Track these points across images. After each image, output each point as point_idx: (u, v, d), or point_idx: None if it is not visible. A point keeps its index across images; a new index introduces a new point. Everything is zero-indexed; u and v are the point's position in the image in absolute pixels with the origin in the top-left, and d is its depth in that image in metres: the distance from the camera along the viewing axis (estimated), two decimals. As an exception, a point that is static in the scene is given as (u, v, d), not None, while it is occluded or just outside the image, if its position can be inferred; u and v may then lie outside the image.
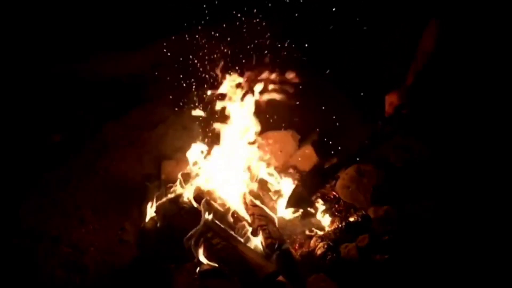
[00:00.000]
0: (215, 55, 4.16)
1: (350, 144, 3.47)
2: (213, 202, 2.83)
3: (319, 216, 3.06)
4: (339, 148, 3.57)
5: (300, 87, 3.48)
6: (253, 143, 3.28)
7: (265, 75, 3.27)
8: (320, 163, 3.14)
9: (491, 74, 2.89)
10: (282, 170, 3.52)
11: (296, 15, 4.05)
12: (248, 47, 4.19)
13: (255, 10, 4.15)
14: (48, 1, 5.82)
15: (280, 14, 4.08)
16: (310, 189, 3.07)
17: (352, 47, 4.20)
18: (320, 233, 2.91)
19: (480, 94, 2.99)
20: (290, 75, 3.31)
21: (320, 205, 3.12)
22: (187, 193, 2.95)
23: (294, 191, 3.01)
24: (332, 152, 3.55)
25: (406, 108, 2.73)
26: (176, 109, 4.25)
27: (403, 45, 2.81)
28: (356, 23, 4.05)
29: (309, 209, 3.08)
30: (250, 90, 3.23)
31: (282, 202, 3.08)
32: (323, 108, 3.93)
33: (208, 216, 2.68)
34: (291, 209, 3.06)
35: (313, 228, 2.95)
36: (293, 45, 4.06)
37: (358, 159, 3.20)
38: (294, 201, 3.00)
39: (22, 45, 5.43)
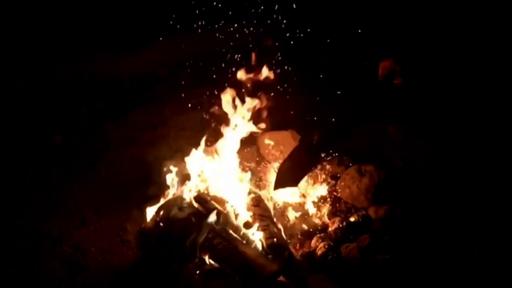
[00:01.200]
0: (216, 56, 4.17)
1: (350, 144, 3.47)
2: (213, 202, 2.84)
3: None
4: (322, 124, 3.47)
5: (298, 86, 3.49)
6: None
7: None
8: (305, 139, 2.99)
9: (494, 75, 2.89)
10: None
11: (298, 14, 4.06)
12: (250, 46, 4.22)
13: (253, 11, 4.15)
14: (51, 2, 5.84)
15: (282, 14, 4.08)
16: (299, 167, 2.92)
17: (353, 48, 4.21)
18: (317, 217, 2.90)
19: (483, 95, 3.00)
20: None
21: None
22: (188, 194, 2.95)
23: (279, 170, 2.90)
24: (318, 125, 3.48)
25: (400, 77, 2.69)
26: (177, 109, 4.26)
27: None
28: (358, 24, 4.06)
29: (295, 187, 2.99)
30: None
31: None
32: (323, 107, 3.95)
33: (209, 217, 2.69)
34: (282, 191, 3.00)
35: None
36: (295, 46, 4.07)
37: (348, 132, 3.11)
38: (281, 181, 2.87)
39: (25, 46, 5.45)
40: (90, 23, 5.89)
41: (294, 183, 2.93)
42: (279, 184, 2.91)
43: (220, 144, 3.18)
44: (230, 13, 4.27)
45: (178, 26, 5.34)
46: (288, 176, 2.89)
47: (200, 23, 4.64)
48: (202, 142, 3.19)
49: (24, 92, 4.62)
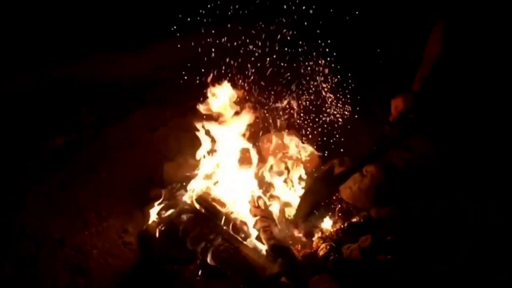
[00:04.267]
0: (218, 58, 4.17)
1: (355, 148, 3.46)
2: (215, 204, 2.84)
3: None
4: (342, 151, 3.50)
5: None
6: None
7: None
8: (327, 170, 3.05)
9: (495, 77, 2.89)
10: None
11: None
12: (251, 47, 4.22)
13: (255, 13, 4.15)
14: (52, 4, 5.86)
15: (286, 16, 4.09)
16: (320, 198, 2.96)
17: (359, 51, 4.21)
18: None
19: (484, 96, 2.99)
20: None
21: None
22: (190, 195, 2.96)
23: (301, 203, 2.92)
24: (336, 155, 3.48)
25: (413, 113, 2.71)
26: (178, 111, 4.26)
27: (407, 51, 2.81)
28: (362, 28, 4.06)
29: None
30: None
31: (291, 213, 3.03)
32: (325, 108, 3.95)
33: (211, 218, 2.69)
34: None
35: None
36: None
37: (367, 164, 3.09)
38: (305, 212, 2.91)
39: (26, 46, 5.46)
40: (91, 24, 5.90)
41: (313, 212, 2.96)
42: (299, 217, 2.93)
43: (221, 145, 3.18)
44: (231, 14, 4.27)
45: (179, 28, 5.35)
46: (308, 208, 2.92)
47: (201, 25, 4.64)
48: (204, 144, 3.20)
49: (25, 93, 4.62)
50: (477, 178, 3.05)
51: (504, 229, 2.66)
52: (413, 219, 2.85)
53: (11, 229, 2.92)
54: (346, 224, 2.88)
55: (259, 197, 2.99)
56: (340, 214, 3.06)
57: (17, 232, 2.89)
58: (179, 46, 5.18)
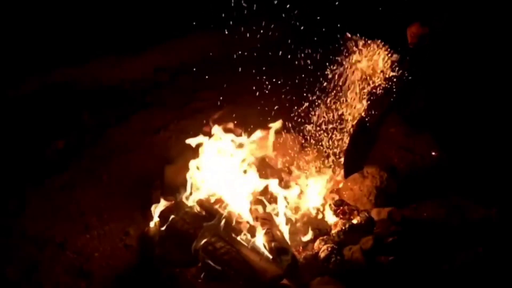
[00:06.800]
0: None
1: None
2: (216, 206, 2.84)
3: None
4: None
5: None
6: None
7: None
8: (358, 122, 2.98)
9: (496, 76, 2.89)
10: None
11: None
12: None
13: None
14: (52, 7, 5.87)
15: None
16: (362, 150, 2.96)
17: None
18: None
19: (485, 96, 2.99)
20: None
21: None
22: (191, 198, 2.96)
23: (346, 158, 2.92)
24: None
25: (428, 39, 2.71)
26: (179, 114, 4.27)
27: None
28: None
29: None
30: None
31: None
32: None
33: (212, 221, 2.69)
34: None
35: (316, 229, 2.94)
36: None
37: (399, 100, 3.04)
38: (349, 167, 2.93)
39: (27, 50, 5.48)
40: (91, 28, 5.91)
41: (361, 166, 3.00)
42: (349, 171, 2.97)
43: (221, 147, 3.19)
44: (231, 17, 4.28)
45: (179, 30, 5.37)
46: (355, 161, 2.95)
47: (201, 27, 4.66)
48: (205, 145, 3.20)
49: (26, 97, 4.63)
50: (478, 179, 3.05)
51: (504, 229, 2.66)
52: (414, 220, 2.85)
53: (13, 232, 2.93)
54: (347, 226, 2.87)
55: (260, 199, 2.99)
56: (341, 216, 3.05)
57: (19, 236, 2.90)
58: (179, 48, 5.20)
